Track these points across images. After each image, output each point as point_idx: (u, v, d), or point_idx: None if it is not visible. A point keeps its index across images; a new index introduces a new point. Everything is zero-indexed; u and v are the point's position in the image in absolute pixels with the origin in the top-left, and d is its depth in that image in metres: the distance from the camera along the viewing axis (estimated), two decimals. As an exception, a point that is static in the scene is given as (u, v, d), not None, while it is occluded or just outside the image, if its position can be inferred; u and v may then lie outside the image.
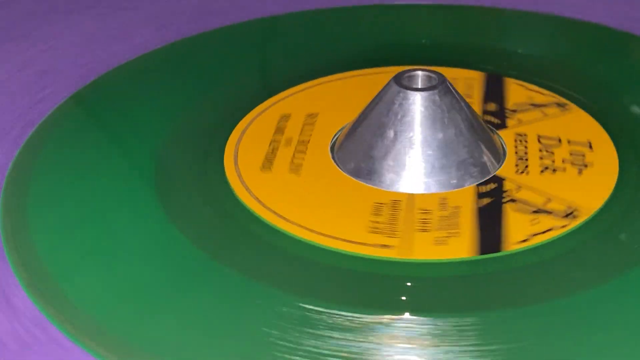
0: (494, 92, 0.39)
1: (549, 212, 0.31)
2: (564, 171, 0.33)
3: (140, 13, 0.48)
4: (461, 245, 0.30)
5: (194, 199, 0.33)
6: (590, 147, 0.35)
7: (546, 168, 0.33)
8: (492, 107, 0.38)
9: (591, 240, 0.30)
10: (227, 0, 0.49)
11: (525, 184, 0.33)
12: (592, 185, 0.33)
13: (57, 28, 0.46)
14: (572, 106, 0.37)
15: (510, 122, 0.36)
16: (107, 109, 0.39)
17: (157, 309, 0.28)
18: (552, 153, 0.34)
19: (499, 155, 0.34)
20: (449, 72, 0.39)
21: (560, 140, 0.35)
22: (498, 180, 0.33)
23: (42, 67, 0.42)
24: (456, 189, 0.33)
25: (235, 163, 0.34)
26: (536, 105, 0.38)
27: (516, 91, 0.39)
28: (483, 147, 0.34)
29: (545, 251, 0.30)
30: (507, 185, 0.33)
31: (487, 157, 0.34)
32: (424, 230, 0.30)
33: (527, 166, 0.34)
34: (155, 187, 0.33)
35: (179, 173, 0.34)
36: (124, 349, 0.26)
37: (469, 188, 0.33)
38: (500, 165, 0.34)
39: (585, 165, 0.34)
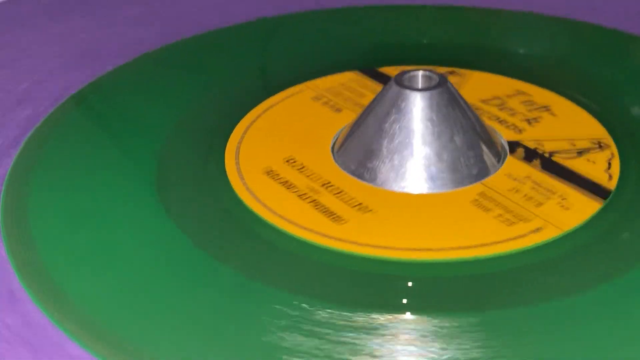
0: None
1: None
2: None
3: (140, 13, 0.48)
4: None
5: (194, 198, 0.33)
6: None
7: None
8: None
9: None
10: (227, 0, 0.49)
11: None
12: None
13: (56, 28, 0.46)
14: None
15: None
16: (107, 109, 0.39)
17: (157, 309, 0.28)
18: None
19: (498, 157, 0.34)
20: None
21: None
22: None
23: (41, 67, 0.42)
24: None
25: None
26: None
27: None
28: (482, 148, 0.34)
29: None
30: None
31: (487, 158, 0.34)
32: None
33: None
34: (156, 186, 0.33)
35: (179, 173, 0.34)
36: (124, 349, 0.26)
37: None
38: (501, 164, 0.34)
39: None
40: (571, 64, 0.42)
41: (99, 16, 0.48)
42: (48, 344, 0.26)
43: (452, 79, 0.37)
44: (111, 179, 0.34)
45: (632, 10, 0.46)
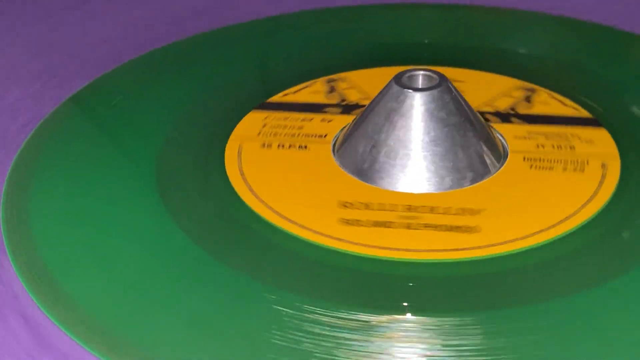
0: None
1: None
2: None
3: (140, 13, 0.48)
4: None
5: (194, 198, 0.33)
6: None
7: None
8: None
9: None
10: (227, 0, 0.49)
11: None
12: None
13: (56, 28, 0.46)
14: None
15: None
16: (107, 109, 0.39)
17: (157, 308, 0.28)
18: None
19: (498, 157, 0.34)
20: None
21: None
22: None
23: (41, 67, 0.42)
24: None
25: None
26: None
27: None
28: (484, 147, 0.34)
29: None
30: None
31: (485, 159, 0.34)
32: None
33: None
34: (156, 186, 0.33)
35: (179, 172, 0.34)
36: (125, 347, 0.26)
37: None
38: (501, 165, 0.34)
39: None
40: (573, 64, 0.42)
41: (98, 17, 0.48)
42: (48, 344, 0.27)
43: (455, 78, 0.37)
44: (111, 179, 0.34)
45: (633, 10, 0.46)
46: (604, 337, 0.27)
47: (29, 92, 0.40)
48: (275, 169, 0.34)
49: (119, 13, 0.48)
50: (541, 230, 0.30)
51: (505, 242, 0.30)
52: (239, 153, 0.35)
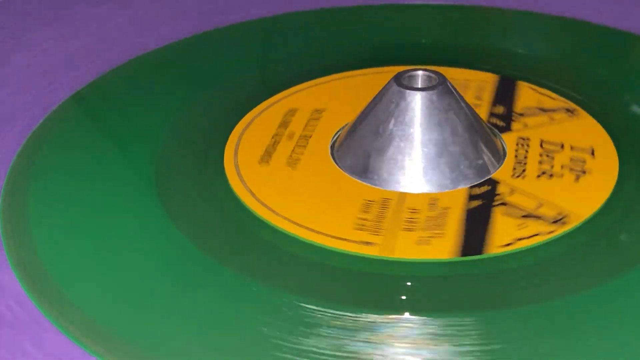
0: (504, 95, 0.38)
1: (538, 217, 0.31)
2: (561, 177, 0.33)
3: (139, 13, 0.48)
4: (443, 246, 0.30)
5: (194, 199, 0.33)
6: (593, 154, 0.34)
7: (543, 173, 0.33)
8: (500, 110, 0.37)
9: (577, 248, 0.30)
10: (227, 0, 0.49)
11: (519, 187, 0.32)
12: (587, 192, 0.32)
13: (56, 28, 0.46)
14: (581, 112, 0.37)
15: (515, 125, 0.36)
16: (107, 109, 0.39)
17: (157, 310, 0.28)
18: (552, 158, 0.34)
19: (498, 158, 0.34)
20: (461, 74, 0.39)
21: (562, 146, 0.35)
22: (492, 183, 0.33)
23: (41, 67, 0.42)
24: (449, 190, 0.32)
25: (236, 163, 0.34)
26: (545, 110, 0.37)
27: (527, 95, 0.38)
28: (482, 148, 0.33)
29: (528, 256, 0.29)
30: (501, 189, 0.32)
31: (485, 159, 0.33)
32: (409, 230, 0.30)
33: (524, 170, 0.33)
34: (156, 187, 0.33)
35: (179, 173, 0.34)
36: (124, 349, 0.26)
37: (462, 190, 0.32)
38: (501, 164, 0.34)
39: (584, 172, 0.33)
40: (573, 64, 0.42)
41: (98, 16, 0.48)
42: (48, 345, 0.26)
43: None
44: (111, 179, 0.34)
45: (633, 10, 0.45)
46: (604, 337, 0.26)
47: (28, 92, 0.40)
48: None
49: (119, 13, 0.48)
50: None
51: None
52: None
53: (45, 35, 0.46)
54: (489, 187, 0.32)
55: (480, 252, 0.29)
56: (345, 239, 0.30)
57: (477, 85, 0.39)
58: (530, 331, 0.26)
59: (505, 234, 0.30)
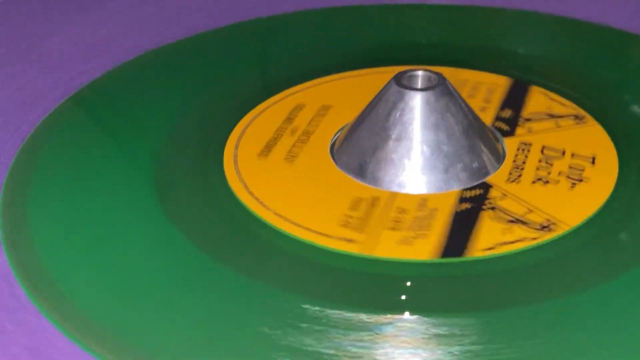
0: (515, 99, 0.38)
1: (524, 223, 0.30)
2: (556, 184, 0.32)
3: (140, 13, 0.48)
4: (424, 247, 0.29)
5: (194, 199, 0.33)
6: (593, 162, 0.34)
7: (539, 179, 0.33)
8: (507, 113, 0.37)
9: (560, 256, 0.29)
10: (227, 0, 0.49)
11: (511, 193, 0.32)
12: (580, 201, 0.32)
13: (56, 28, 0.47)
14: (590, 119, 0.36)
15: (520, 130, 0.36)
16: (107, 109, 0.39)
17: (156, 309, 0.28)
18: (551, 165, 0.33)
19: (496, 162, 0.34)
20: (474, 76, 0.39)
21: (564, 153, 0.34)
22: (485, 186, 0.32)
23: (42, 67, 0.42)
24: (441, 192, 0.32)
25: (235, 163, 0.34)
26: (552, 116, 0.37)
27: (538, 100, 0.38)
28: (480, 151, 0.33)
29: (509, 261, 0.29)
30: (493, 193, 0.32)
31: (482, 162, 0.33)
32: (394, 229, 0.30)
33: (520, 175, 0.33)
34: (155, 187, 0.33)
35: (178, 173, 0.34)
36: (124, 349, 0.26)
37: (454, 192, 0.32)
38: (500, 164, 0.33)
39: (581, 181, 0.33)
40: (575, 65, 0.41)
41: (98, 17, 0.48)
42: (47, 345, 0.27)
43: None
44: (110, 179, 0.34)
45: (633, 10, 0.44)
46: (604, 337, 0.26)
47: (28, 91, 0.40)
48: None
49: (119, 13, 0.48)
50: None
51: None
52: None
53: (44, 34, 0.46)
54: (481, 191, 0.32)
55: (460, 255, 0.29)
56: (328, 235, 0.30)
57: (487, 88, 0.39)
58: (502, 335, 0.26)
59: (489, 238, 0.30)
